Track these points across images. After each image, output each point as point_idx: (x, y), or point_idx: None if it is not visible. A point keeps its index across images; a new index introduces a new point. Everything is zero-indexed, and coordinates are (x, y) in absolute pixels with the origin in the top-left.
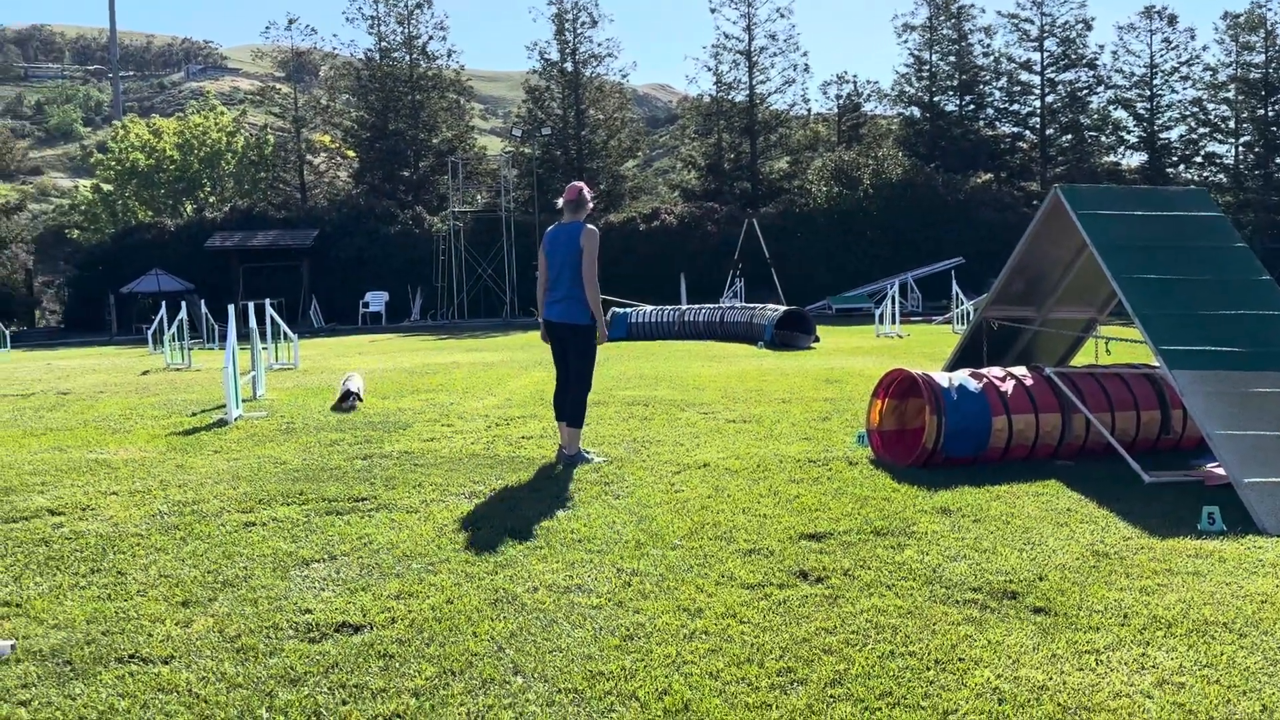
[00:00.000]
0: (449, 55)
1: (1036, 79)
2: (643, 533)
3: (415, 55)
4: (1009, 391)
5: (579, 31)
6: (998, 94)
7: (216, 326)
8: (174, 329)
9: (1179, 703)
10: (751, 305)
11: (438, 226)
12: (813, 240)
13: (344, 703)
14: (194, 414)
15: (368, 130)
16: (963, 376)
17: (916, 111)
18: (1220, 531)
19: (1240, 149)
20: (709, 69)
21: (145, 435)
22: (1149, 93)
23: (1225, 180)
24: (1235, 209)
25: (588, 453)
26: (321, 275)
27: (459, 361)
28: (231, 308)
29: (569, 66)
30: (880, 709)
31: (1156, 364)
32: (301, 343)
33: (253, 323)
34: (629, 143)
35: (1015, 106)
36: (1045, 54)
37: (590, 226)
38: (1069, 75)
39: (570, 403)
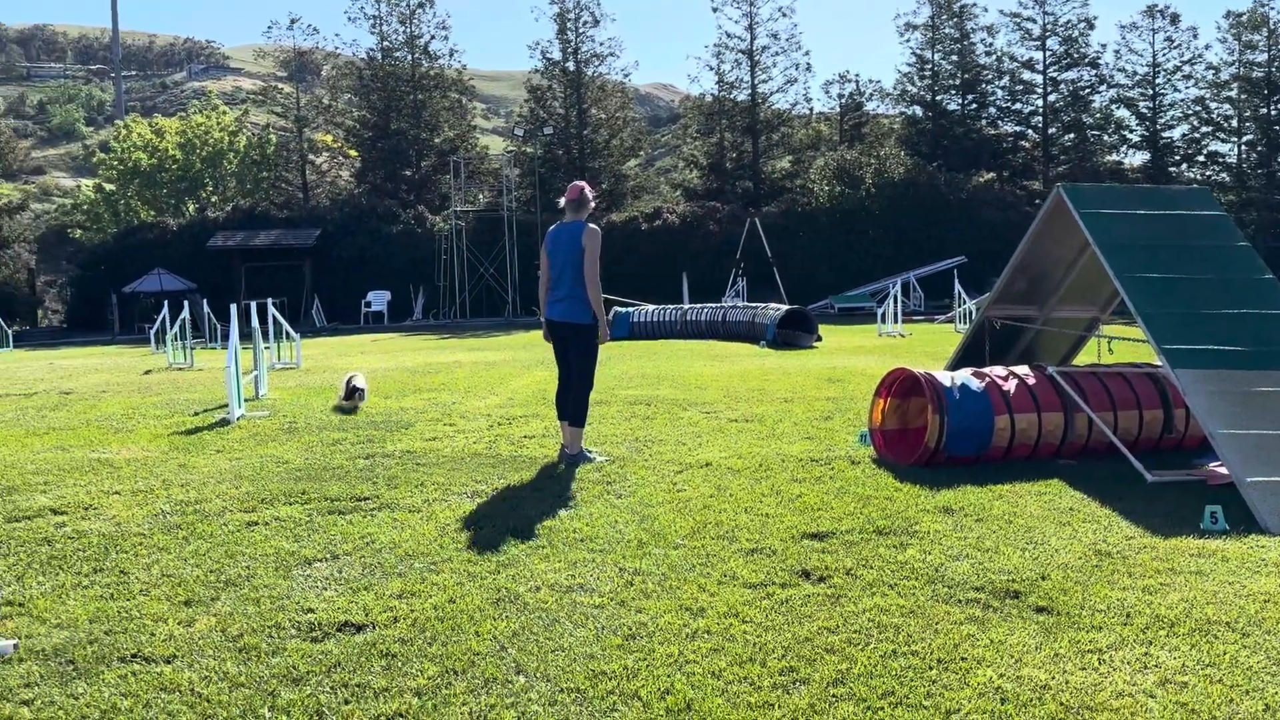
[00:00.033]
0: (451, 55)
1: (1039, 78)
2: (645, 532)
3: (417, 55)
4: (1011, 391)
5: (581, 31)
6: (1000, 93)
7: (219, 326)
8: (176, 328)
9: (1182, 702)
10: (754, 305)
11: (440, 226)
12: (815, 239)
13: (346, 702)
14: (196, 413)
15: (370, 130)
16: (965, 375)
17: (919, 110)
18: (1223, 531)
19: (1243, 148)
20: (711, 68)
21: (148, 435)
22: (1151, 92)
23: (1228, 179)
24: (1238, 208)
25: (590, 452)
26: (323, 275)
27: (461, 361)
28: (234, 307)
29: (571, 66)
30: (883, 708)
31: (1159, 363)
32: (304, 342)
33: (255, 322)
34: (631, 142)
35: (1018, 105)
36: (1047, 53)
37: (592, 226)
38: (1071, 74)
39: (572, 402)
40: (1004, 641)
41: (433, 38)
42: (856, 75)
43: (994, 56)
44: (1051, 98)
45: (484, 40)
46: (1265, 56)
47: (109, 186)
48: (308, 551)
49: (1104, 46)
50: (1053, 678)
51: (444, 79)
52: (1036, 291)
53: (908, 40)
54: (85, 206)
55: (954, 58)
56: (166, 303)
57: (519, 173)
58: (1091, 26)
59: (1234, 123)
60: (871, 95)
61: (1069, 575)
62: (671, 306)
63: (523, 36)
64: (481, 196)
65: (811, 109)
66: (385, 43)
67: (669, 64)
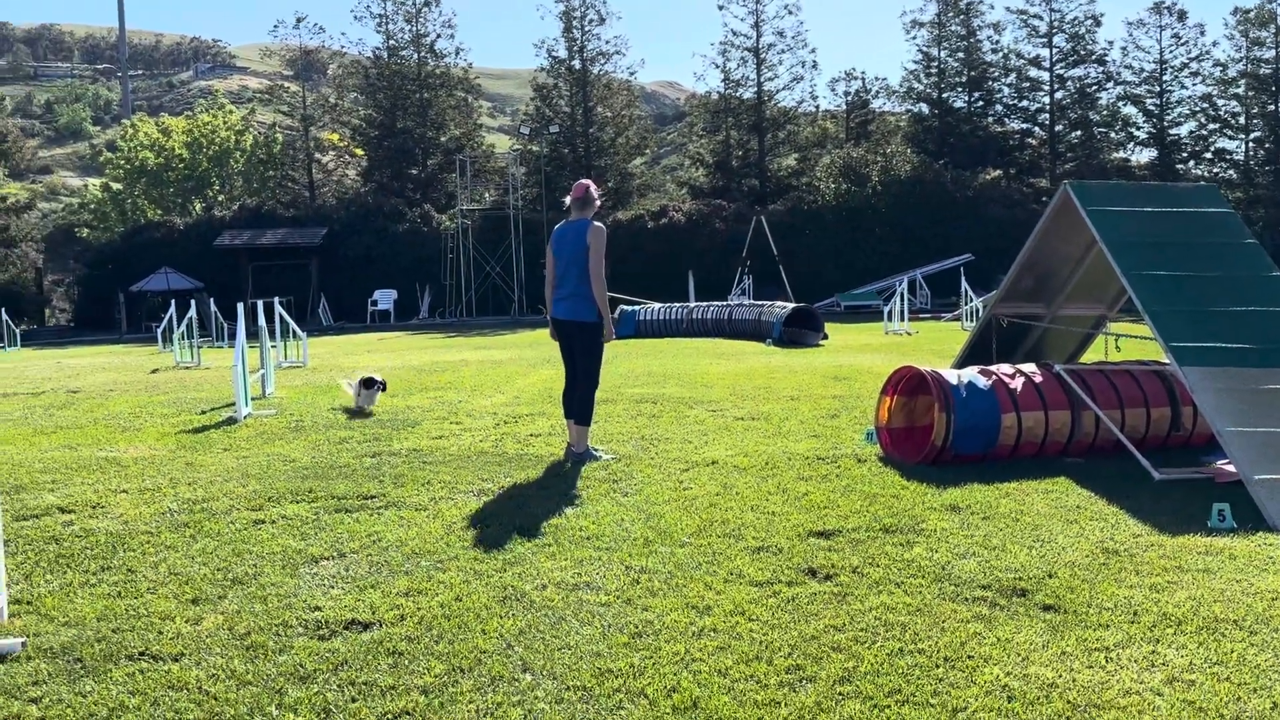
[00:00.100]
0: (457, 53)
1: (1045, 75)
2: (651, 530)
3: (423, 53)
4: (1018, 389)
5: (587, 29)
6: (1007, 90)
7: (226, 325)
8: (183, 327)
9: (1189, 700)
10: (760, 303)
11: (446, 225)
12: (821, 237)
13: (353, 700)
14: (203, 412)
15: (376, 128)
16: (972, 374)
17: (925, 108)
18: (1230, 529)
19: (1250, 145)
20: (717, 66)
21: (155, 433)
22: (1158, 89)
23: (1235, 176)
24: (1245, 205)
25: (596, 450)
26: (330, 273)
27: (467, 359)
28: (240, 306)
29: (577, 64)
30: (889, 706)
31: (1166, 361)
32: (310, 341)
33: (262, 321)
34: (637, 140)
35: (1024, 103)
36: (1054, 50)
37: (597, 224)
38: (1078, 71)
39: (578, 400)
40: (1011, 640)
41: (439, 36)
42: (862, 73)
43: (1000, 54)
44: (1058, 95)
45: (490, 39)
46: (1273, 53)
47: (116, 186)
48: (314, 550)
49: (1111, 43)
50: (1060, 676)
51: (450, 77)
52: (1043, 289)
53: (914, 37)
54: (92, 206)
55: (960, 55)
56: (173, 302)
57: (525, 171)
58: (1098, 23)
59: (1241, 120)
60: (878, 93)
61: (1076, 573)
62: (677, 305)
63: (528, 35)
64: (487, 195)
65: (817, 107)
66: (391, 41)
67: (675, 62)
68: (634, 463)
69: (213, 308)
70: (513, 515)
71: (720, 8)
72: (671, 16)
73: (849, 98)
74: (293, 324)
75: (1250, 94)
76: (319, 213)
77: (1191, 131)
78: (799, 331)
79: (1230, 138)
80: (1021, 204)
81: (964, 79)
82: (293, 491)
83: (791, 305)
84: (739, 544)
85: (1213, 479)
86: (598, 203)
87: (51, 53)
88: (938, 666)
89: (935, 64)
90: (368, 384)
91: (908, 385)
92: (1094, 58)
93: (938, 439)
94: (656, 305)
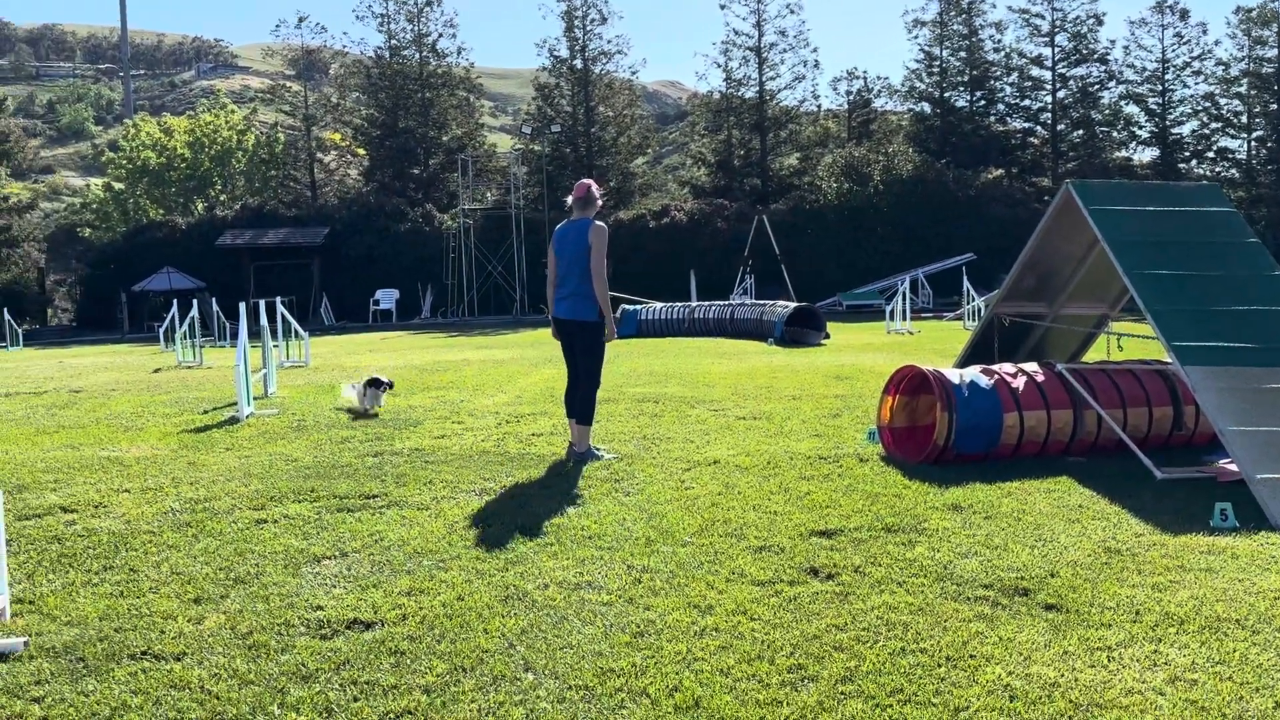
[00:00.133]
0: (459, 53)
1: (1047, 74)
2: (653, 530)
3: (425, 53)
4: (1020, 388)
5: (588, 28)
6: (1009, 89)
7: (228, 324)
8: (185, 327)
9: (1191, 700)
10: (761, 302)
11: (448, 224)
12: (823, 237)
13: (355, 699)
14: (206, 411)
15: (378, 128)
16: (974, 373)
17: (927, 107)
18: (1233, 528)
19: (1253, 144)
20: (719, 65)
21: (157, 433)
22: (1161, 88)
23: (1238, 175)
24: (1248, 204)
25: (598, 450)
26: (332, 273)
27: (469, 359)
28: (243, 305)
29: (578, 63)
30: (891, 706)
31: (1169, 360)
32: (312, 340)
33: (264, 320)
34: (639, 140)
35: (1026, 102)
36: (1056, 49)
37: (598, 223)
38: (1080, 70)
39: (580, 400)
40: (1013, 639)
41: (440, 36)
42: (864, 72)
43: (1002, 53)
44: (1060, 94)
45: (491, 38)
46: (1275, 52)
47: (118, 185)
48: (317, 549)
49: (1113, 42)
50: (1062, 675)
51: (452, 77)
52: (1045, 288)
53: (916, 37)
54: (94, 205)
55: (962, 54)
56: (175, 301)
57: (527, 170)
58: (1100, 22)
59: (1244, 119)
60: (880, 92)
61: (1078, 573)
62: (679, 304)
63: (530, 34)
64: (489, 194)
65: (819, 106)
66: (393, 41)
67: (677, 61)
68: (636, 462)
69: (215, 307)
70: (515, 515)
71: (722, 7)
72: (673, 16)
73: (851, 97)
74: (295, 323)
75: (1252, 93)
76: (321, 212)
77: (1194, 131)
78: (801, 331)
79: (1232, 137)
80: (1023, 203)
81: (966, 78)
82: (295, 491)
83: (793, 305)
84: (741, 543)
85: (1215, 478)
86: (599, 202)
87: (54, 52)
88: (940, 666)
89: (937, 63)
90: (374, 384)
91: (910, 384)
92: (1096, 57)
93: (940, 438)
94: (658, 305)
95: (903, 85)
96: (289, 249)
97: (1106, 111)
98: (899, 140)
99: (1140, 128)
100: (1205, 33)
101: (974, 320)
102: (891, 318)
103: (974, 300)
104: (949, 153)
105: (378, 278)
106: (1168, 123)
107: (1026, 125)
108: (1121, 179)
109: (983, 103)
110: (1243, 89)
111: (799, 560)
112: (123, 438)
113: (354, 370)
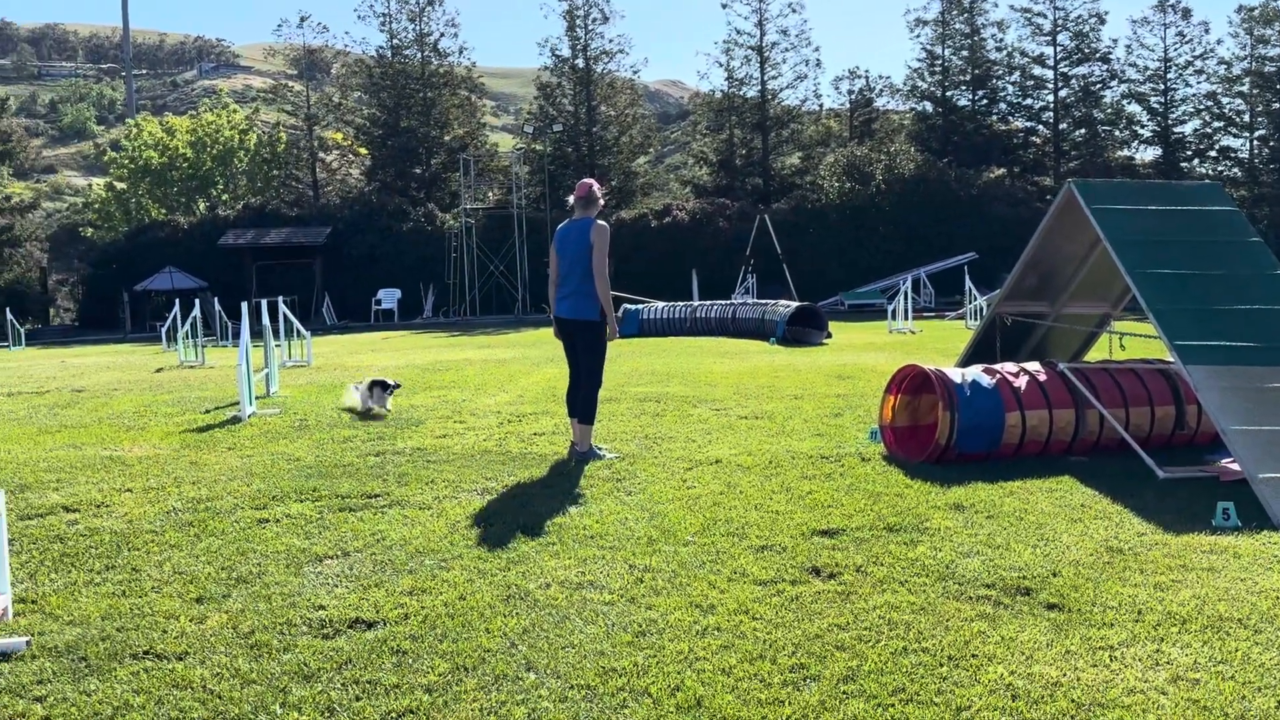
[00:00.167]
0: (460, 52)
1: (1049, 73)
2: (655, 529)
3: (427, 52)
4: (1022, 387)
5: (590, 28)
6: (1010, 88)
7: (230, 324)
8: (187, 326)
9: (1193, 699)
10: (763, 301)
11: (450, 224)
12: (825, 236)
13: (357, 699)
14: (208, 411)
15: (380, 128)
16: (976, 372)
17: (929, 106)
18: (1235, 527)
19: (1255, 143)
20: (720, 65)
21: (159, 432)
22: (1163, 87)
23: (1240, 174)
24: (1250, 203)
25: (600, 449)
26: (334, 272)
27: (471, 358)
28: (245, 305)
29: (580, 63)
30: (893, 705)
31: (1171, 359)
32: (314, 340)
33: (266, 320)
34: (640, 139)
35: (1028, 101)
36: (1058, 48)
37: (600, 222)
38: (1082, 69)
39: (581, 399)
40: (1015, 638)
41: (442, 35)
42: (866, 71)
43: (1004, 52)
44: (1062, 93)
45: (493, 37)
46: (1277, 51)
47: (120, 185)
48: (319, 549)
49: (1115, 41)
50: (1064, 675)
51: (453, 76)
52: (1048, 288)
53: (918, 36)
54: (96, 205)
55: (964, 53)
56: (178, 301)
57: (528, 170)
58: (1102, 21)
59: (1246, 118)
60: (881, 91)
61: (1080, 572)
62: (681, 304)
63: (532, 34)
64: (491, 194)
65: (821, 105)
66: (395, 40)
67: (678, 60)
68: (638, 461)
69: (217, 307)
70: (516, 514)
71: (724, 6)
72: (675, 15)
73: (853, 96)
74: (297, 323)
75: (1255, 92)
76: (323, 212)
77: (1196, 130)
78: (803, 330)
79: (1235, 136)
80: (1025, 202)
81: (968, 77)
82: (297, 490)
83: (795, 304)
84: (743, 543)
85: (1217, 477)
86: (601, 201)
87: (56, 52)
88: (942, 665)
89: (939, 62)
90: (381, 386)
91: (912, 384)
92: (1098, 56)
93: (942, 437)
94: (660, 304)
95: (905, 84)
96: (291, 248)
97: (1109, 110)
98: (901, 139)
99: (1142, 127)
100: (1207, 31)
101: (976, 319)
102: (893, 317)
103: (976, 299)
104: (951, 152)
105: (380, 277)
106: (1170, 122)
107: (1028, 124)
108: (1123, 178)
109: (985, 102)
110: (1245, 88)
111: (801, 560)
112: (125, 437)
113: (356, 370)
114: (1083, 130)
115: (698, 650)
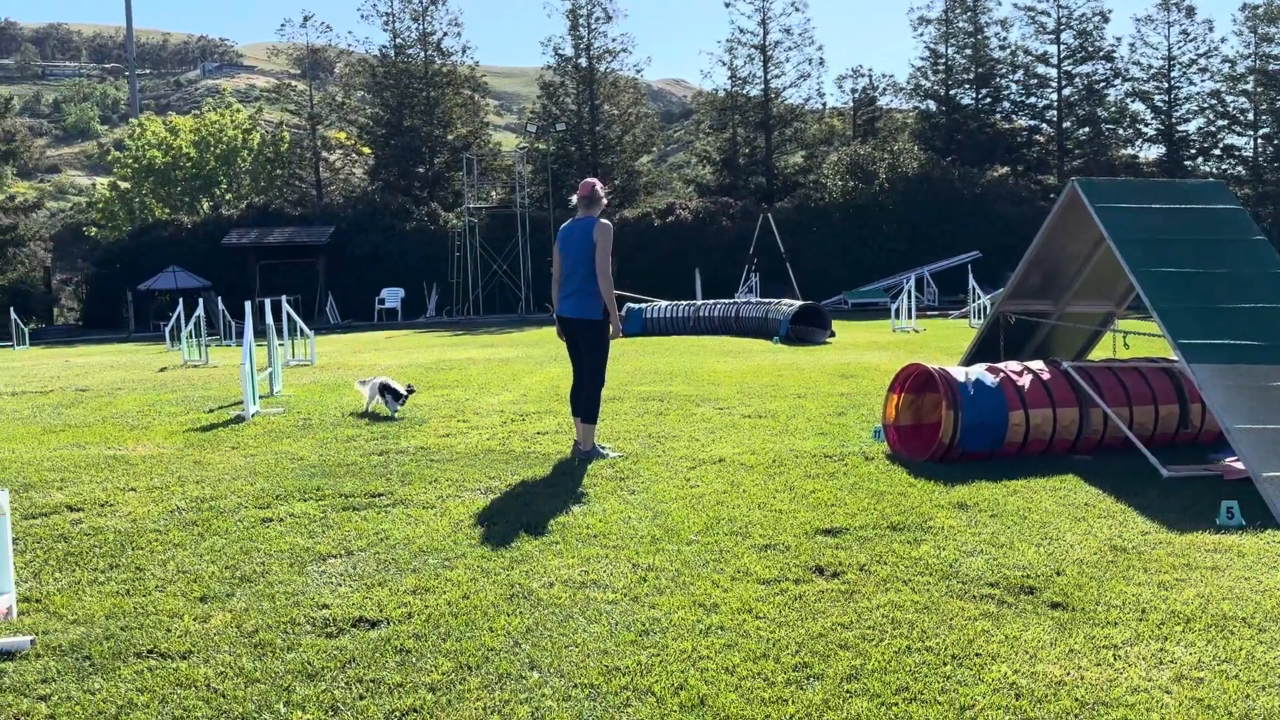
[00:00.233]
0: (463, 51)
1: (1053, 71)
2: (658, 528)
3: (430, 52)
4: (1026, 386)
5: (593, 27)
6: (1014, 87)
7: (233, 323)
8: (191, 326)
9: (1197, 698)
10: (767, 300)
11: (453, 223)
12: (828, 235)
13: (361, 698)
14: (211, 410)
15: (383, 127)
16: (979, 371)
17: (932, 105)
18: (1239, 526)
19: (1259, 141)
20: (724, 64)
21: (163, 432)
22: (1167, 85)
23: (1244, 173)
24: (1254, 202)
25: (603, 448)
26: (337, 272)
27: (474, 358)
28: (248, 304)
29: (583, 62)
30: (897, 704)
31: (1175, 358)
32: (318, 339)
33: (269, 319)
34: (644, 138)
35: (1032, 99)
36: (1062, 46)
37: (604, 221)
38: (1086, 68)
39: (585, 398)
40: (1019, 637)
41: (445, 34)
42: (870, 70)
43: (1008, 50)
44: (1066, 91)
45: (496, 37)
46: None
47: (124, 184)
48: (322, 548)
49: (1119, 40)
50: (1068, 673)
51: (456, 76)
52: (1051, 286)
53: (921, 34)
54: (100, 204)
55: (968, 52)
56: (181, 300)
57: (532, 169)
58: (1106, 20)
59: (1250, 116)
60: (885, 90)
61: (1084, 571)
62: (684, 303)
63: (535, 33)
64: (494, 193)
65: (824, 104)
66: (398, 40)
67: (682, 59)
68: (641, 460)
69: (220, 306)
70: (520, 513)
71: (727, 5)
72: (678, 14)
73: (856, 95)
74: (300, 322)
75: (1259, 90)
76: (326, 211)
77: (1200, 128)
78: (806, 329)
79: (1239, 134)
80: (1029, 201)
81: (971, 75)
82: (300, 489)
83: (799, 303)
84: (746, 542)
85: (1221, 476)
86: (604, 201)
87: (59, 52)
88: (945, 664)
89: (942, 61)
90: (395, 395)
91: (915, 383)
92: (1102, 54)
93: (945, 436)
94: (663, 303)
95: (908, 83)
96: (294, 248)
97: (1112, 109)
98: (904, 138)
99: (1146, 125)
100: (1211, 30)
101: (979, 318)
102: (897, 316)
103: (979, 298)
104: (954, 150)
105: (383, 276)
106: (1174, 120)
107: (1032, 123)
108: (1127, 176)
109: (988, 100)
110: (1249, 86)
111: (804, 558)
112: (129, 436)
113: (359, 369)
114: (1086, 129)
115: (701, 649)
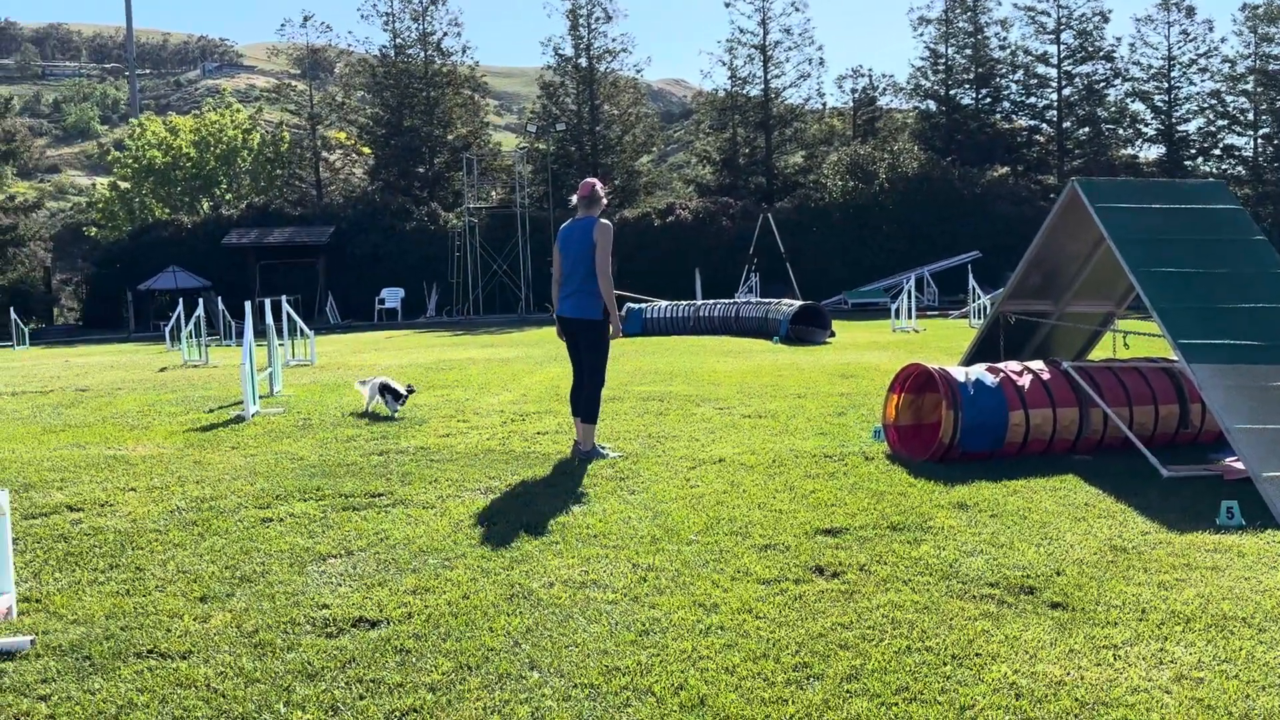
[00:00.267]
0: (463, 51)
1: (1053, 71)
2: (658, 528)
3: (430, 51)
4: (1026, 386)
5: (593, 27)
6: (1014, 87)
7: (233, 323)
8: (191, 326)
9: (1197, 698)
10: (767, 300)
11: (453, 223)
12: (828, 235)
13: (361, 698)
14: (211, 410)
15: (383, 127)
16: (979, 371)
17: (932, 105)
18: (1239, 526)
19: (1259, 141)
20: (724, 64)
21: (163, 432)
22: (1167, 85)
23: (1244, 173)
24: (1254, 201)
25: (603, 448)
26: (337, 272)
27: (474, 358)
28: (248, 304)
29: (583, 62)
30: (897, 704)
31: (1175, 358)
32: (318, 339)
33: (269, 319)
34: (643, 138)
35: (1032, 99)
36: (1062, 46)
37: (604, 221)
38: (1086, 68)
39: (585, 398)
40: (1019, 637)
41: (445, 34)
42: (870, 70)
43: (1008, 50)
44: (1066, 91)
45: (496, 37)
46: None
47: (124, 184)
48: (322, 548)
49: (1119, 40)
50: (1068, 673)
51: (456, 76)
52: (1051, 286)
53: (921, 34)
54: (100, 204)
55: (968, 52)
56: (181, 300)
57: (532, 169)
58: (1106, 20)
59: (1250, 116)
60: (885, 90)
61: (1084, 571)
62: (684, 303)
63: (535, 33)
64: (494, 193)
65: (824, 104)
66: (398, 40)
67: (682, 59)
68: (641, 460)
69: (220, 306)
70: (520, 513)
71: (727, 5)
72: (678, 14)
73: (856, 95)
74: (300, 322)
75: (1259, 90)
76: (326, 211)
77: (1200, 128)
78: (806, 329)
79: (1239, 134)
80: (1029, 201)
81: (971, 75)
82: (300, 489)
83: (799, 303)
84: (746, 542)
85: (1221, 476)
86: (604, 201)
87: (59, 52)
88: (945, 664)
89: (942, 61)
90: (395, 395)
91: (915, 383)
92: (1102, 54)
93: (945, 436)
94: (663, 303)
95: (908, 83)
96: (294, 248)
97: (1112, 109)
98: (904, 138)
99: (1146, 125)
100: (1211, 30)
101: (979, 318)
102: (897, 316)
103: (979, 298)
104: (954, 150)
105: (383, 276)
106: (1174, 120)
107: (1032, 123)
108: (1127, 176)
109: (988, 100)
110: (1249, 86)
111: (804, 558)
112: (129, 436)
113: (359, 369)
114: (1086, 129)
115: (701, 649)
